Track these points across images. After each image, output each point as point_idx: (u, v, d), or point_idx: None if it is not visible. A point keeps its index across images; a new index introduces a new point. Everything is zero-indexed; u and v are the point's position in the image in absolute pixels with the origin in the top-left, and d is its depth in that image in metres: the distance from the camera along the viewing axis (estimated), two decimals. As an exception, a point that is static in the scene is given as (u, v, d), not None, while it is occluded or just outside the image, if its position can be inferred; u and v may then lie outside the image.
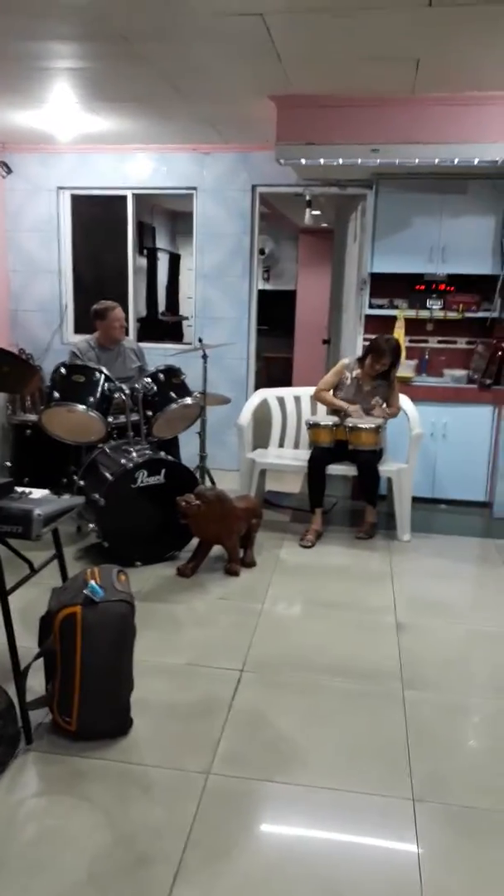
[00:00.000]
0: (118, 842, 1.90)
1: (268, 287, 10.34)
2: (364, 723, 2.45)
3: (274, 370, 9.18)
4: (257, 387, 5.21)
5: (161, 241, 8.75)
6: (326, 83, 3.63)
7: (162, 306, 9.03)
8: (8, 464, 4.29)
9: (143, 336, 6.70)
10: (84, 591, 2.22)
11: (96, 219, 5.71)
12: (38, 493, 2.45)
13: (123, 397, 3.69)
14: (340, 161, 4.04)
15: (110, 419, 3.76)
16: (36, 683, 2.41)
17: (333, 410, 4.32)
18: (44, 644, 2.29)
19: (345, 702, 2.57)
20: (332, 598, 3.41)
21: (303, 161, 4.08)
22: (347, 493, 5.02)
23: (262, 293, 9.97)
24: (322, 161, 4.07)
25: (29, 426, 4.10)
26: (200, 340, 4.55)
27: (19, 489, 2.40)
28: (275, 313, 9.77)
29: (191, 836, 1.92)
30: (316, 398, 4.43)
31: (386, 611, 3.31)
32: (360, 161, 4.03)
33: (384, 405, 4.21)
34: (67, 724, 2.27)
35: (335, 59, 3.27)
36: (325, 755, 2.27)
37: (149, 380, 3.78)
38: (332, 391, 4.34)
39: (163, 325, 8.62)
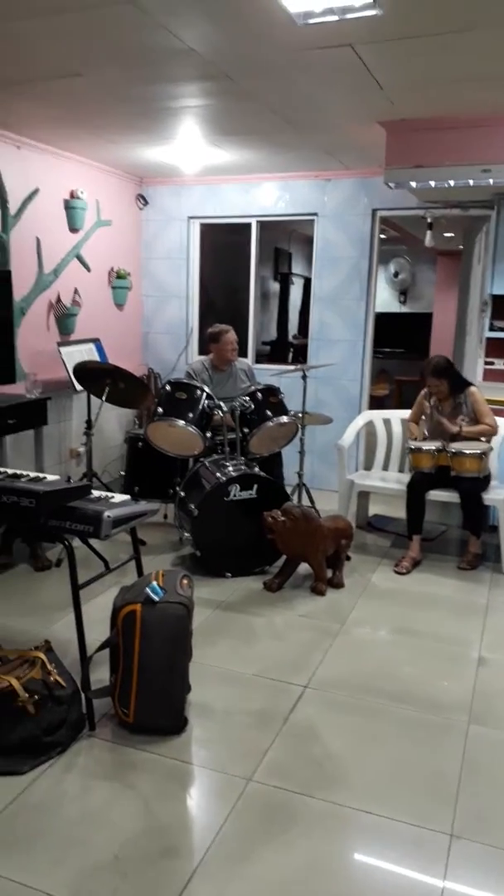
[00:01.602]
0: (149, 831, 1.99)
1: (404, 310, 10.23)
2: (418, 752, 2.38)
3: (406, 393, 9.03)
4: (382, 408, 5.19)
5: (297, 267, 8.98)
6: (431, 106, 3.61)
7: (294, 329, 9.23)
8: (122, 473, 4.60)
9: (271, 358, 6.92)
10: (145, 591, 2.37)
11: (223, 246, 6.00)
12: (118, 497, 2.64)
13: (221, 414, 3.85)
14: (451, 183, 3.98)
15: (210, 435, 3.93)
16: (104, 675, 2.59)
17: (435, 435, 4.22)
18: (108, 637, 2.46)
19: (403, 728, 2.51)
20: (415, 626, 3.32)
21: (413, 184, 4.06)
22: (459, 521, 4.83)
23: (398, 316, 9.98)
24: (433, 183, 4.03)
25: (141, 439, 4.38)
26: (300, 360, 4.63)
27: (100, 493, 2.61)
28: (411, 336, 9.65)
29: (218, 836, 1.97)
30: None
31: (470, 644, 3.16)
32: (472, 182, 3.94)
33: (466, 421, 4.07)
34: (125, 716, 2.42)
35: (435, 81, 3.25)
36: (369, 778, 2.24)
37: (247, 398, 3.92)
38: (418, 421, 4.30)
39: (291, 347, 8.81)
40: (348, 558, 4.00)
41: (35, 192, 4.59)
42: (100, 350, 5.00)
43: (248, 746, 2.38)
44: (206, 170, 5.28)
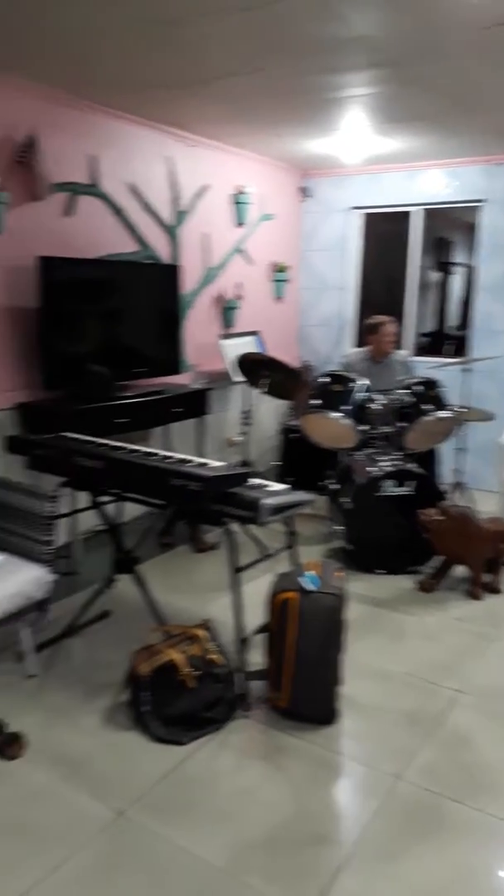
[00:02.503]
0: (299, 816, 2.05)
1: None
2: None
3: None
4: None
5: (461, 256, 8.63)
6: None
7: (454, 320, 8.88)
8: (276, 463, 4.69)
9: (430, 351, 6.72)
10: (300, 580, 2.42)
11: (383, 236, 5.90)
12: (275, 486, 2.70)
13: (377, 407, 3.80)
14: None
15: (368, 428, 3.90)
16: (260, 659, 2.68)
17: None
18: (264, 622, 2.53)
19: None
20: None
21: None
22: None
23: None
24: None
25: (295, 430, 4.44)
26: (460, 352, 4.45)
27: (259, 481, 2.69)
28: None
29: (366, 831, 1.99)
30: None
31: None
32: None
33: None
34: (278, 701, 2.48)
35: None
36: (528, 795, 2.14)
37: (404, 391, 3.85)
38: None
39: (448, 339, 8.48)
40: (508, 562, 3.82)
41: (205, 187, 4.78)
42: (259, 342, 5.12)
43: (398, 744, 2.37)
44: (369, 159, 5.21)
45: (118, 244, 4.20)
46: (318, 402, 3.85)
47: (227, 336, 4.87)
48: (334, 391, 3.84)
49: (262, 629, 2.54)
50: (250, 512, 2.44)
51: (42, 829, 1.97)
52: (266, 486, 2.67)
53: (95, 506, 3.00)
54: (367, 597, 3.48)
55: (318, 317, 6.02)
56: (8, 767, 2.22)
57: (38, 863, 1.86)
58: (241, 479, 2.56)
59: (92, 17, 2.69)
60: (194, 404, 4.37)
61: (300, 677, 2.41)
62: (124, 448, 2.83)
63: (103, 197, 4.05)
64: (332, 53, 3.10)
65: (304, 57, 3.14)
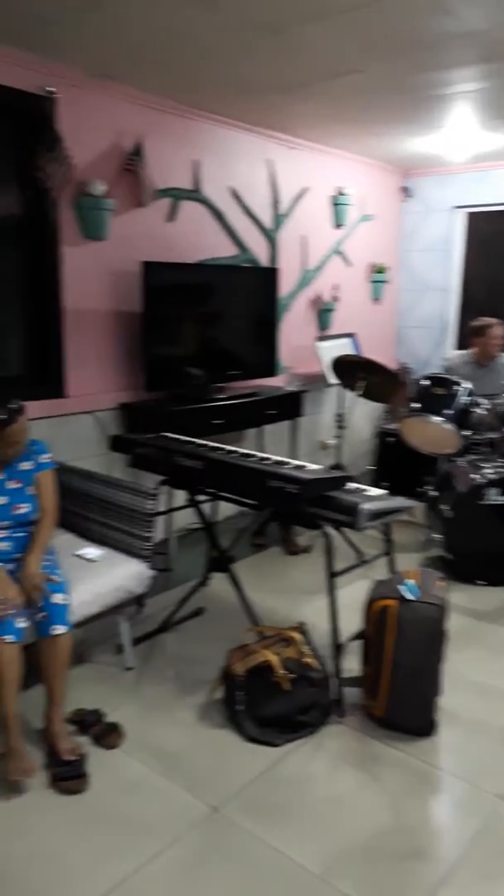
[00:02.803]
0: (398, 829, 1.99)
1: None
2: None
3: None
4: None
5: None
6: None
7: None
8: (370, 468, 4.62)
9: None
10: (399, 588, 2.36)
11: (488, 236, 5.69)
12: (374, 491, 2.65)
13: (481, 412, 3.67)
14: None
15: (471, 433, 3.77)
16: (356, 665, 2.64)
17: None
18: (361, 629, 2.49)
19: None
20: None
21: None
22: None
23: None
24: None
25: (391, 434, 4.36)
26: None
27: (356, 485, 2.65)
28: None
29: (468, 850, 1.91)
30: None
31: None
32: None
33: None
34: (374, 710, 2.44)
35: None
36: None
37: (512, 396, 3.69)
38: None
39: None
40: None
41: (305, 190, 4.78)
42: (355, 344, 5.06)
43: (501, 764, 2.26)
44: (475, 157, 5.04)
45: (218, 248, 4.26)
46: (418, 405, 3.76)
47: (323, 338, 4.84)
48: (435, 394, 3.74)
49: (357, 636, 2.50)
50: (348, 516, 2.41)
51: (138, 819, 2.02)
52: (364, 490, 2.63)
53: (192, 504, 3.04)
54: (467, 608, 3.36)
55: (418, 318, 5.89)
56: (106, 757, 2.28)
57: (134, 852, 1.90)
58: (339, 482, 2.54)
59: (199, 27, 2.74)
60: (288, 406, 4.37)
61: (398, 686, 2.36)
62: (222, 449, 2.86)
63: (205, 202, 4.12)
64: (440, 50, 3.02)
65: (409, 55, 3.08)
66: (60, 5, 2.56)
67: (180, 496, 3.54)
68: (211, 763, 2.26)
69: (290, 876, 1.83)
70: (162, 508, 3.48)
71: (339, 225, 5.13)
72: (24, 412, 2.40)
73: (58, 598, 2.31)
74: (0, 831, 1.96)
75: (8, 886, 1.78)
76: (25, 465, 2.54)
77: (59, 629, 2.27)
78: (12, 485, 2.48)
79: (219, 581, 3.44)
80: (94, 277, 3.58)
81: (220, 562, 2.93)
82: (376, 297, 5.67)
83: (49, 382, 3.50)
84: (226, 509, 4.40)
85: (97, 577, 2.59)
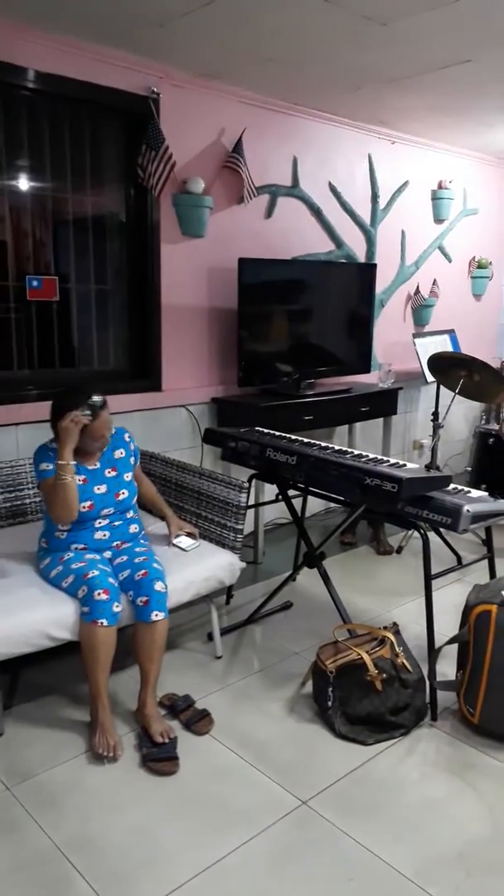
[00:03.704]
0: (495, 840, 1.92)
1: None
2: None
3: None
4: None
5: None
6: None
7: None
8: (468, 469, 4.48)
9: None
10: (502, 593, 2.27)
11: None
12: (475, 492, 2.57)
13: None
14: None
15: None
16: (449, 669, 2.56)
17: None
18: (458, 633, 2.41)
19: None
20: None
21: None
22: None
23: None
24: None
25: (492, 435, 4.20)
26: None
27: (457, 486, 2.57)
28: None
29: None
30: None
31: None
32: None
33: None
34: (471, 716, 2.36)
35: None
36: None
37: None
38: None
39: None
40: None
41: (405, 184, 4.68)
42: (454, 341, 4.92)
43: None
44: None
45: (315, 244, 4.24)
46: (521, 405, 3.61)
47: (421, 335, 4.73)
48: (540, 393, 3.58)
49: (454, 639, 2.42)
50: (449, 518, 2.34)
51: (227, 806, 2.03)
52: (466, 491, 2.54)
53: (283, 499, 3.04)
54: None
55: (521, 316, 5.66)
56: (196, 743, 2.31)
57: (222, 838, 1.91)
58: (440, 482, 2.47)
59: (308, 22, 2.73)
60: (382, 404, 4.30)
61: (496, 694, 2.27)
62: (316, 444, 2.84)
63: (302, 198, 4.11)
64: None
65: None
66: (169, 7, 2.62)
67: (269, 491, 3.56)
68: (300, 756, 2.25)
69: (380, 876, 1.79)
70: (252, 502, 3.50)
71: (439, 219, 5.00)
72: (107, 406, 2.45)
73: (159, 586, 2.36)
74: (95, 805, 2.02)
75: (102, 858, 1.84)
76: (118, 454, 2.61)
77: (158, 615, 2.32)
78: (110, 473, 2.56)
79: (307, 577, 3.43)
80: (191, 274, 3.65)
81: (311, 558, 2.91)
82: (477, 293, 5.49)
83: (146, 376, 3.59)
84: (313, 506, 4.39)
85: (189, 565, 2.64)
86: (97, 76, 3.11)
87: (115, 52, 3.12)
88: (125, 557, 2.49)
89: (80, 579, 2.31)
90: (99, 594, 2.24)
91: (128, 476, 2.60)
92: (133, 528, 2.62)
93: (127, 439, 2.65)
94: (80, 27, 2.87)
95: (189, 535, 2.78)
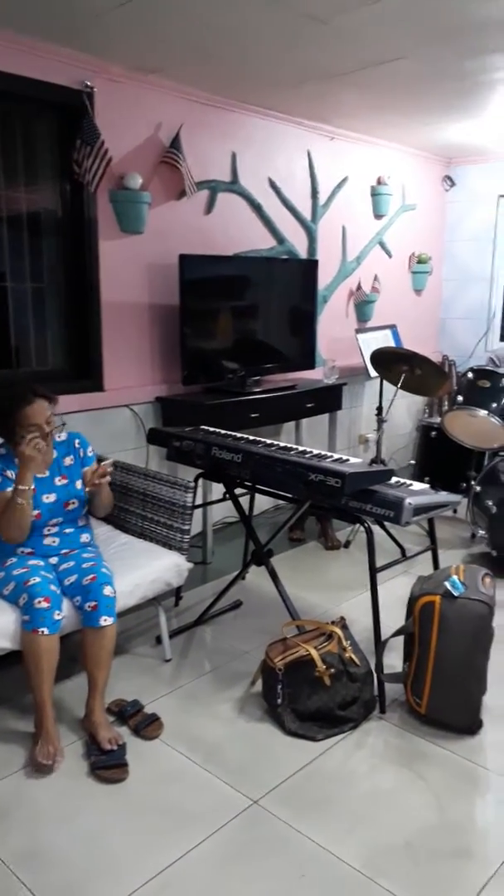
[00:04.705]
0: (442, 827, 1.95)
1: None
2: None
3: None
4: None
5: None
6: None
7: None
8: (412, 462, 4.55)
9: None
10: (444, 584, 2.31)
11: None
12: (417, 485, 2.61)
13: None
14: None
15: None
16: (396, 661, 2.60)
17: None
18: (404, 625, 2.44)
19: None
20: None
21: None
22: None
23: None
24: None
25: (434, 428, 4.28)
26: None
27: (399, 480, 2.60)
28: None
29: (515, 852, 1.86)
30: None
31: None
32: None
33: None
34: (418, 706, 2.39)
35: None
36: None
37: None
38: None
39: None
40: None
41: (344, 180, 4.72)
42: (395, 336, 4.99)
43: (549, 765, 2.20)
44: (520, 143, 4.92)
45: (257, 240, 4.23)
46: (462, 398, 3.68)
47: (363, 330, 4.78)
48: (481, 387, 3.66)
49: (399, 631, 2.45)
50: (391, 511, 2.36)
51: (178, 810, 2.01)
52: (408, 484, 2.58)
53: (229, 498, 3.03)
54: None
55: (462, 309, 5.77)
56: (146, 747, 2.28)
57: (174, 841, 1.89)
58: (382, 476, 2.49)
59: (245, 18, 2.72)
60: (327, 400, 4.32)
61: (442, 684, 2.31)
62: (261, 442, 2.84)
63: (243, 193, 4.09)
64: (485, 35, 2.94)
65: (454, 40, 3.01)
66: (100, 1, 2.57)
67: (216, 490, 3.54)
68: (250, 756, 2.24)
69: (331, 871, 1.80)
70: (199, 501, 3.48)
71: (379, 215, 5.06)
72: (48, 398, 2.40)
73: (108, 591, 2.32)
74: (42, 817, 1.97)
75: (50, 870, 1.79)
76: (68, 461, 2.55)
77: (107, 620, 2.28)
78: (60, 482, 2.50)
79: (256, 575, 3.43)
80: (131, 271, 3.59)
81: (258, 556, 2.90)
82: (418, 288, 5.58)
83: (87, 376, 3.52)
84: (262, 503, 4.39)
85: (136, 568, 2.60)
86: (29, 70, 3.03)
87: (48, 45, 3.04)
88: (72, 563, 2.43)
89: (21, 587, 2.25)
90: (39, 602, 2.19)
91: (78, 484, 2.54)
92: (84, 538, 2.58)
93: (77, 445, 2.59)
94: (10, 19, 2.79)
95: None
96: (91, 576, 2.34)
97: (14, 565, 2.35)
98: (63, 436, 2.59)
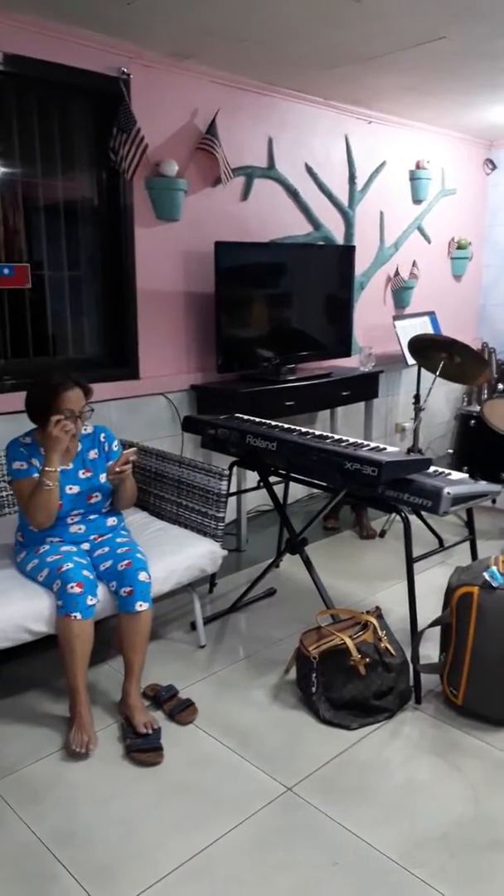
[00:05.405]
0: (478, 819, 1.93)
1: None
2: None
3: None
4: None
5: None
6: None
7: None
8: (449, 451, 4.48)
9: None
10: (483, 575, 2.27)
11: None
12: (456, 475, 2.56)
13: None
14: None
15: None
16: (432, 652, 2.57)
17: None
18: (441, 615, 2.41)
19: None
20: None
21: None
22: None
23: None
24: None
25: (473, 417, 4.20)
26: None
27: (437, 469, 2.56)
28: None
29: (554, 847, 1.82)
30: None
31: None
32: None
33: None
34: (454, 697, 2.36)
35: None
36: None
37: None
38: None
39: None
40: None
41: (382, 164, 4.64)
42: (434, 323, 4.90)
43: None
44: None
45: (293, 226, 4.19)
46: (502, 386, 3.60)
47: (401, 317, 4.70)
48: (520, 374, 3.57)
49: (436, 622, 2.42)
50: (429, 500, 2.33)
51: (212, 795, 2.02)
52: (446, 474, 2.53)
53: (264, 486, 3.02)
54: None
55: (503, 295, 5.65)
56: (181, 732, 2.30)
57: (207, 826, 1.90)
58: (420, 465, 2.45)
59: (272, 0, 2.68)
60: (363, 388, 4.28)
61: (480, 675, 2.27)
62: (296, 430, 2.82)
63: (279, 179, 4.05)
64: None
65: (493, 18, 2.92)
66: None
67: (251, 478, 3.53)
68: (284, 743, 2.24)
69: (365, 859, 1.79)
70: (233, 489, 3.48)
71: (418, 200, 4.97)
72: (85, 388, 2.41)
73: (143, 576, 2.33)
74: (78, 798, 2.01)
75: (86, 850, 1.82)
76: (92, 454, 2.56)
77: (143, 605, 2.30)
78: (84, 474, 2.51)
79: (290, 563, 3.42)
80: (167, 259, 3.59)
81: (293, 544, 2.89)
82: (457, 274, 5.47)
83: (123, 364, 3.54)
84: (296, 491, 4.37)
85: (170, 554, 2.61)
86: (65, 57, 3.03)
87: (83, 31, 3.04)
88: (107, 549, 2.45)
89: (55, 572, 2.28)
90: (72, 587, 2.21)
91: (102, 478, 2.55)
92: (111, 522, 2.59)
93: (102, 439, 2.60)
94: (46, 7, 2.79)
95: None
96: (126, 561, 2.36)
97: (47, 552, 2.38)
98: (89, 429, 2.58)
